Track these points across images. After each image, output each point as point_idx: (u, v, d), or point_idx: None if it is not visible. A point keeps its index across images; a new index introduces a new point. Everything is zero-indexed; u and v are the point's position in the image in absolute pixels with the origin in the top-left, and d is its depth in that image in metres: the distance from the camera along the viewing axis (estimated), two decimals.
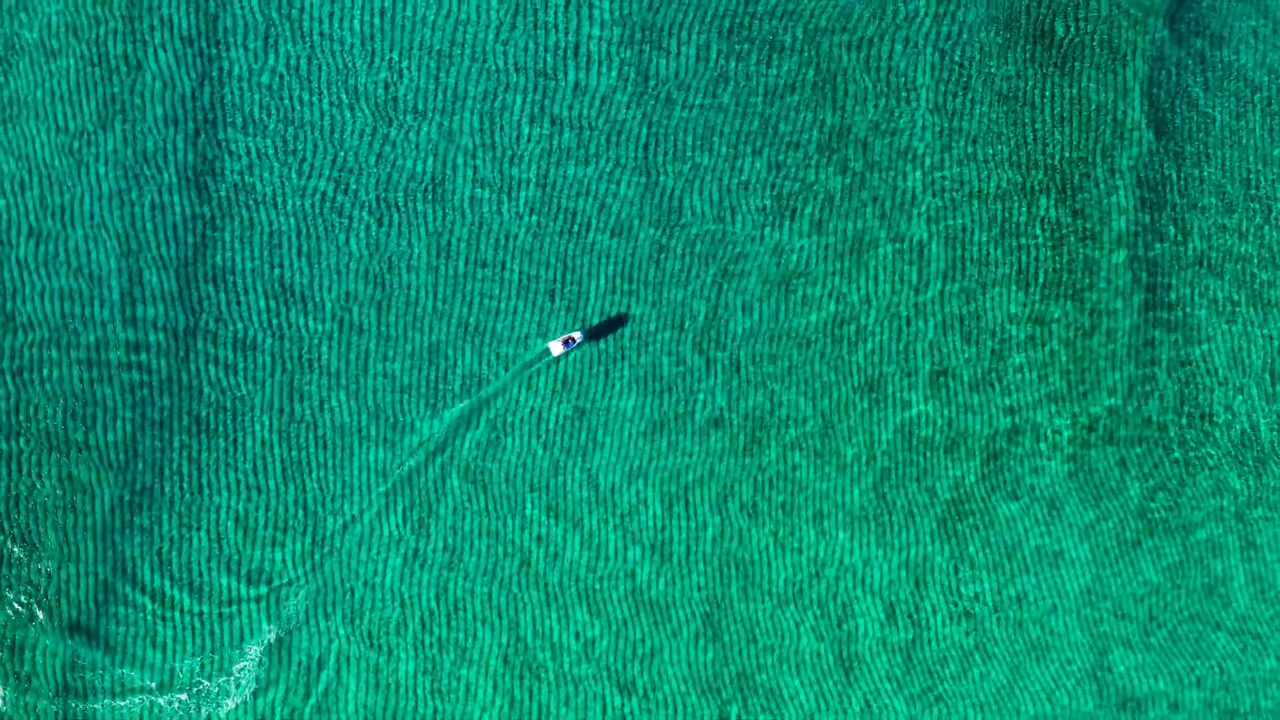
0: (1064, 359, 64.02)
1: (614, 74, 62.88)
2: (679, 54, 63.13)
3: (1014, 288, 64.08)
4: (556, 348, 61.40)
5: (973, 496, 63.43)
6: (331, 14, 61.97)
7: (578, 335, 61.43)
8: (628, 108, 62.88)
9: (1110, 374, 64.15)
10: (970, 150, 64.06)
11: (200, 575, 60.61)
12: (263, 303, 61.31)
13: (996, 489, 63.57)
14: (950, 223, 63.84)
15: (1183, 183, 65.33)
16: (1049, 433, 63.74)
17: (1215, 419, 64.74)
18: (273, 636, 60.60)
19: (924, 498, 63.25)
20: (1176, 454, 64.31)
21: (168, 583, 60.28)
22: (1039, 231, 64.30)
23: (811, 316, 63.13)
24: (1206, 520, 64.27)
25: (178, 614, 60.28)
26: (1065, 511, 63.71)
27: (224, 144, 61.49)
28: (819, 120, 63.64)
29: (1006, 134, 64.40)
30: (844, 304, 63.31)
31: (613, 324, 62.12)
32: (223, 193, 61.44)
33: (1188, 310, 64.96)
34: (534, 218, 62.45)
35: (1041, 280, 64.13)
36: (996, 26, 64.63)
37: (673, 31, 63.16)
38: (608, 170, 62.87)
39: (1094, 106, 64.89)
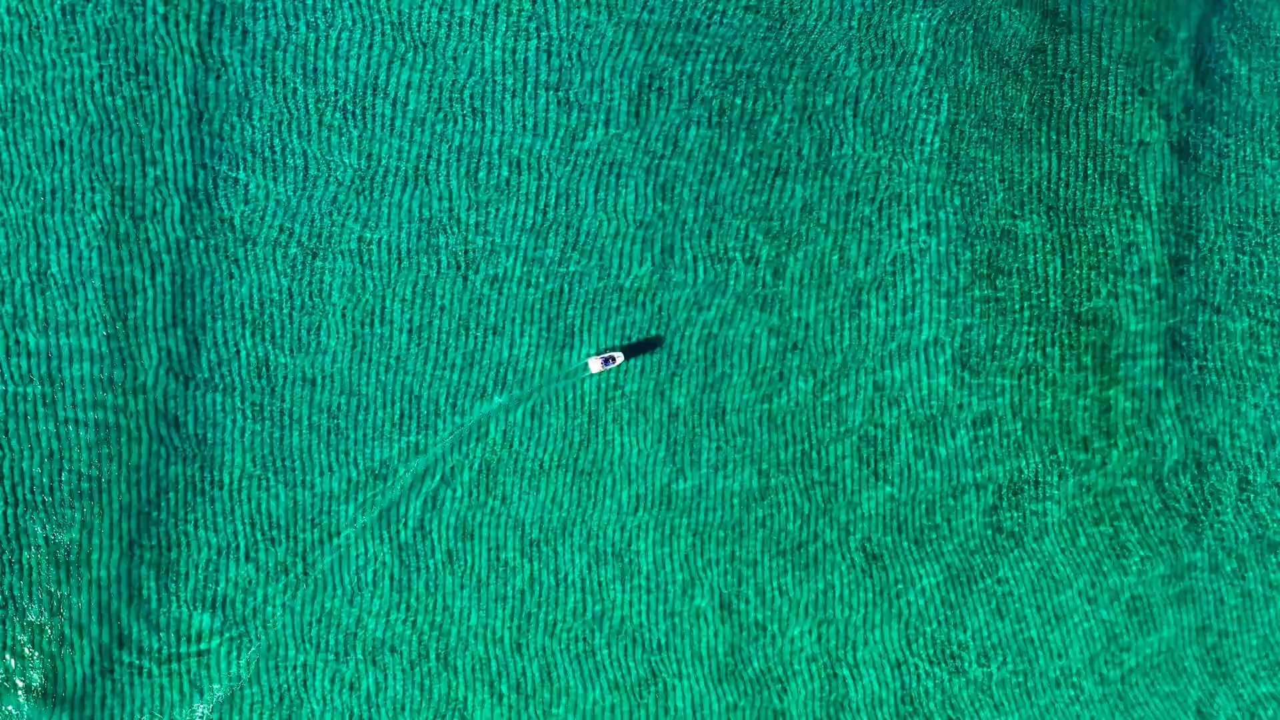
0: (1058, 423, 62.22)
1: (608, 121, 61.55)
2: (672, 105, 61.88)
3: (1005, 347, 62.50)
4: (596, 365, 60.07)
5: (965, 566, 61.49)
6: (311, 67, 60.80)
7: (619, 356, 59.84)
8: (621, 157, 61.50)
9: (1107, 438, 62.34)
10: (964, 204, 62.69)
11: (153, 629, 58.27)
12: (244, 357, 59.68)
13: (988, 558, 61.68)
14: (943, 279, 62.31)
15: (1189, 242, 64.10)
16: (1043, 499, 61.86)
17: (1220, 489, 63.02)
18: (221, 695, 57.53)
19: (915, 568, 61.19)
20: (1176, 525, 62.41)
21: (145, 631, 58.46)
22: (1035, 287, 62.81)
23: (801, 377, 61.55)
24: (1204, 593, 62.36)
25: (139, 661, 58.12)
26: (1058, 582, 61.80)
27: (210, 198, 60.22)
28: (812, 173, 62.36)
29: (1002, 185, 63.06)
30: (834, 362, 61.68)
31: (648, 344, 60.63)
32: (204, 248, 60.02)
33: (1195, 375, 63.38)
34: (521, 267, 60.97)
35: (1033, 341, 62.46)
36: (990, 91, 63.63)
37: (665, 83, 61.90)
38: (599, 219, 61.40)
39: (1101, 153, 63.71)
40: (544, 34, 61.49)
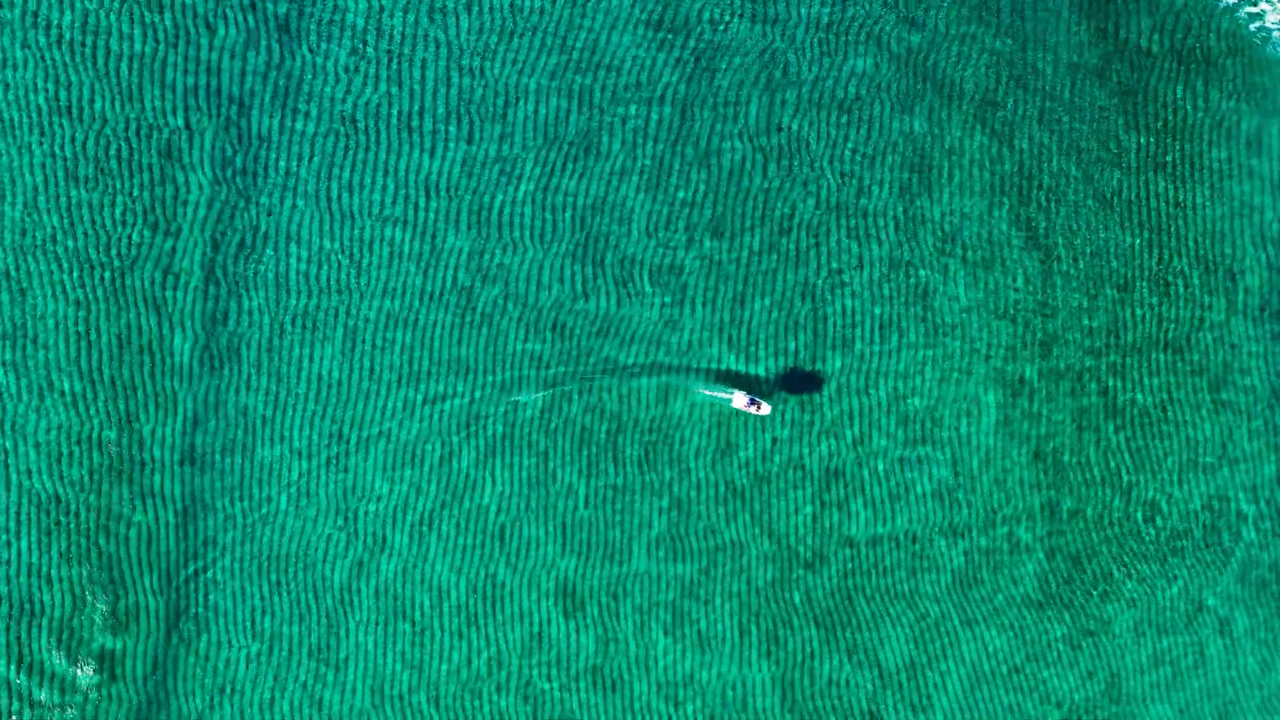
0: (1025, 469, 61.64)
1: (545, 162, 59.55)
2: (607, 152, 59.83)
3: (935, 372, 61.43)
4: (740, 401, 57.90)
5: (943, 617, 60.81)
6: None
7: (767, 408, 57.59)
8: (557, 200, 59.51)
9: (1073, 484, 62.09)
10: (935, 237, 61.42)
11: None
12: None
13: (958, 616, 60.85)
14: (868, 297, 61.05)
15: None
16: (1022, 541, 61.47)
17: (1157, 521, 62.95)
18: None
19: (895, 609, 60.24)
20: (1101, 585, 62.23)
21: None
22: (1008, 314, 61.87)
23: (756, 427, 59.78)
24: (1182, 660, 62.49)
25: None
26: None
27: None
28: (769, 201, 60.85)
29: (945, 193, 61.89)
30: (792, 409, 60.08)
31: (811, 382, 58.96)
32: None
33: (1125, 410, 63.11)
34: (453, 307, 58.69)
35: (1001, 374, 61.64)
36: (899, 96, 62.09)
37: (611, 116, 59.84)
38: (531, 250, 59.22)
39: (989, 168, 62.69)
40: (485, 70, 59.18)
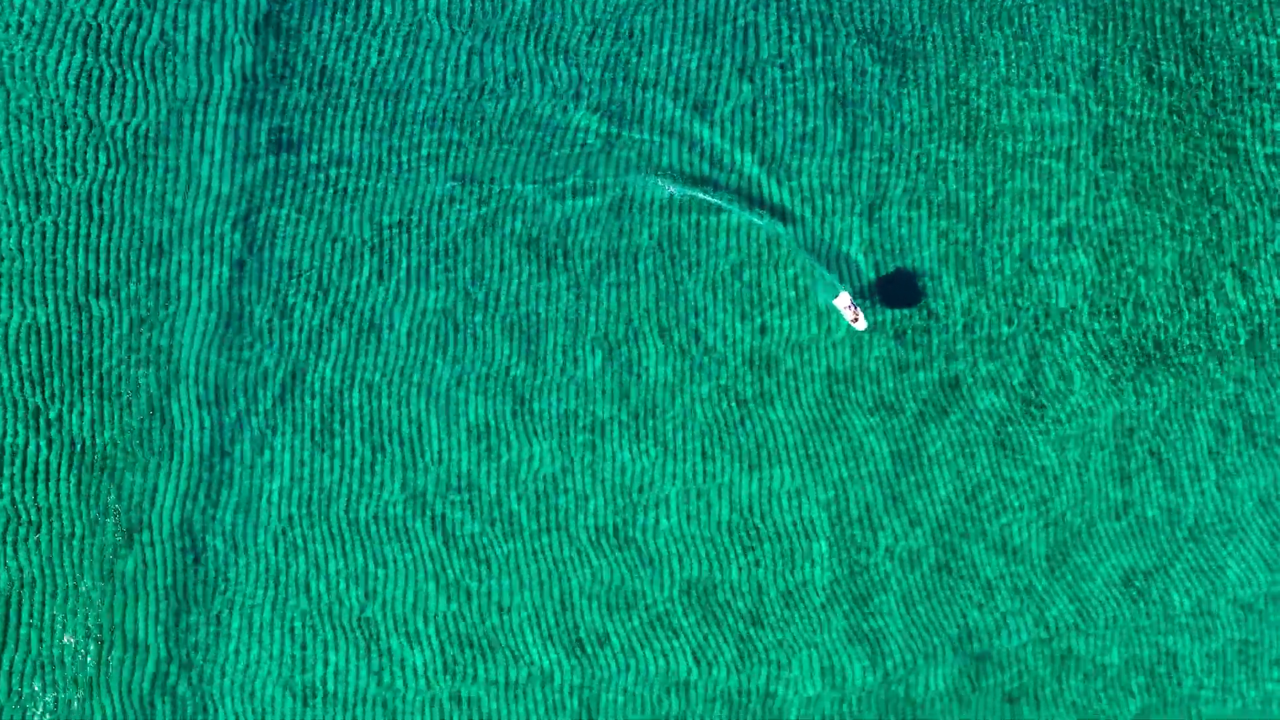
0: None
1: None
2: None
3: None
4: (844, 300, 54.27)
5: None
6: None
7: (864, 324, 54.24)
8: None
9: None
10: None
11: None
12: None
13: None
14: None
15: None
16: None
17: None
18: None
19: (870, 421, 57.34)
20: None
21: None
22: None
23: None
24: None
25: None
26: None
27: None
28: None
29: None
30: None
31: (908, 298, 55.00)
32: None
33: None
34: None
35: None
36: None
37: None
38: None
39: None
40: None
